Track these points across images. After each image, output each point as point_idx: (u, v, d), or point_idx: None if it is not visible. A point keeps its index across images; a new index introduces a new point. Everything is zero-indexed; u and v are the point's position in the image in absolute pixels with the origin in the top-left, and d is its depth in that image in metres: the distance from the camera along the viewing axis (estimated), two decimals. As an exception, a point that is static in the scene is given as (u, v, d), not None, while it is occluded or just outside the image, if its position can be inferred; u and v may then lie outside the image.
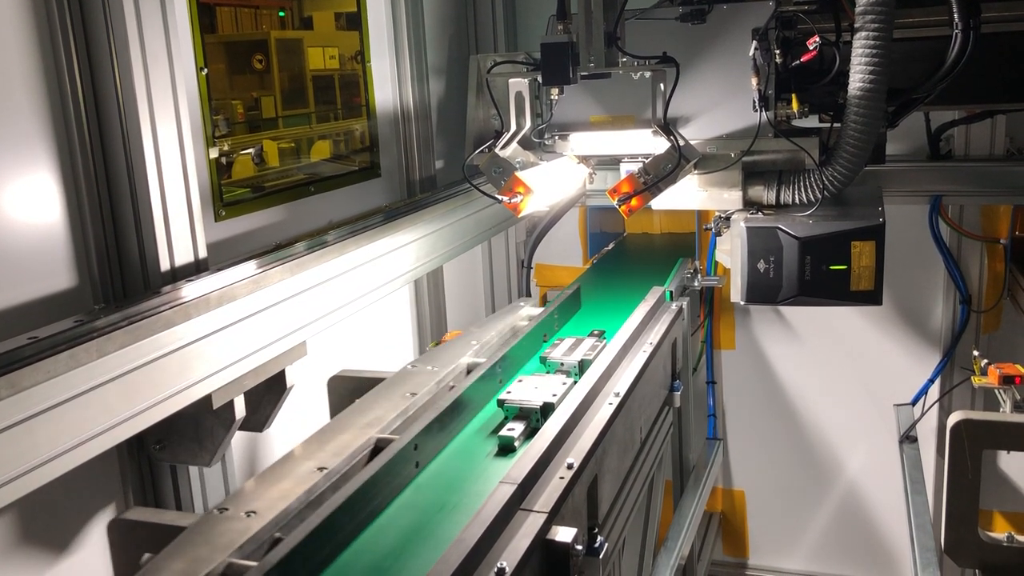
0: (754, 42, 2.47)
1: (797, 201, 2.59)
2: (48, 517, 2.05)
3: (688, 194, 2.65)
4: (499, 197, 2.47)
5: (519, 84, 2.55)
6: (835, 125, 2.59)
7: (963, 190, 3.61)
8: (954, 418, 2.22)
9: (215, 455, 2.18)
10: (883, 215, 2.54)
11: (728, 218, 2.73)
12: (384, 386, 2.49)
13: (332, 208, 3.10)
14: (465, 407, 2.47)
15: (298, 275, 2.36)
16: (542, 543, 1.77)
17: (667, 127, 2.44)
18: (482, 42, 4.03)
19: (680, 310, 3.13)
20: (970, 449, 2.19)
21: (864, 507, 4.44)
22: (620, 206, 2.38)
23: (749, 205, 2.66)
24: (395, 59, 3.50)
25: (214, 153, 2.59)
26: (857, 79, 2.40)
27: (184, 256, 2.27)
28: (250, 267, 2.24)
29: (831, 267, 2.51)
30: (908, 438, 3.63)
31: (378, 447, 2.16)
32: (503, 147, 2.58)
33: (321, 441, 2.16)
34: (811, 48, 2.47)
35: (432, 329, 3.67)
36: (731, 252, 2.67)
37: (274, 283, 2.26)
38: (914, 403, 3.96)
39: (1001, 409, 2.58)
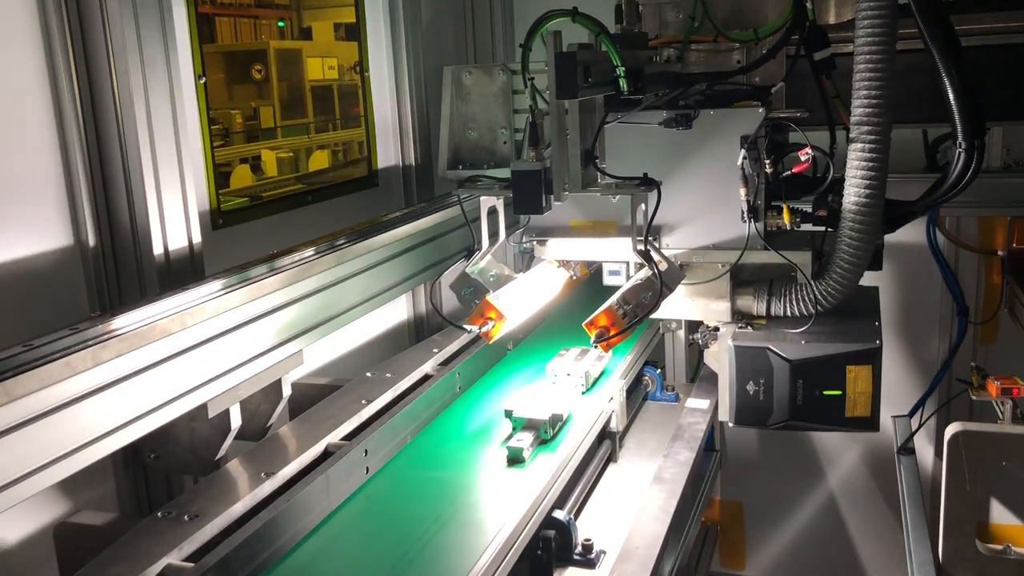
0: (742, 151, 2.37)
1: (789, 314, 2.47)
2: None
3: (674, 304, 2.52)
4: (467, 327, 2.33)
5: (491, 201, 2.44)
6: (829, 230, 2.46)
7: (960, 202, 3.60)
8: (952, 429, 2.22)
9: (210, 464, 2.17)
10: (879, 334, 2.41)
11: (716, 329, 2.61)
12: (340, 393, 2.53)
13: (330, 218, 3.10)
14: (420, 415, 2.49)
15: (295, 284, 2.35)
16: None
17: (647, 254, 2.29)
18: (480, 52, 4.03)
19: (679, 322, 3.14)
20: (968, 460, 2.18)
21: (862, 519, 4.43)
22: (597, 343, 2.18)
23: (738, 316, 2.54)
24: (394, 69, 3.51)
25: (212, 162, 2.59)
26: (853, 192, 2.30)
27: (181, 264, 2.27)
28: (247, 275, 2.23)
29: (824, 392, 2.37)
30: (905, 449, 3.61)
31: (327, 452, 2.19)
32: (475, 264, 2.47)
33: (272, 447, 2.21)
34: (803, 159, 2.37)
35: (428, 333, 3.66)
36: (719, 368, 2.54)
37: (271, 292, 2.25)
38: (911, 415, 3.94)
39: (999, 421, 2.57)
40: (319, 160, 3.20)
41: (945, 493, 2.22)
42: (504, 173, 2.34)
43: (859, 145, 2.29)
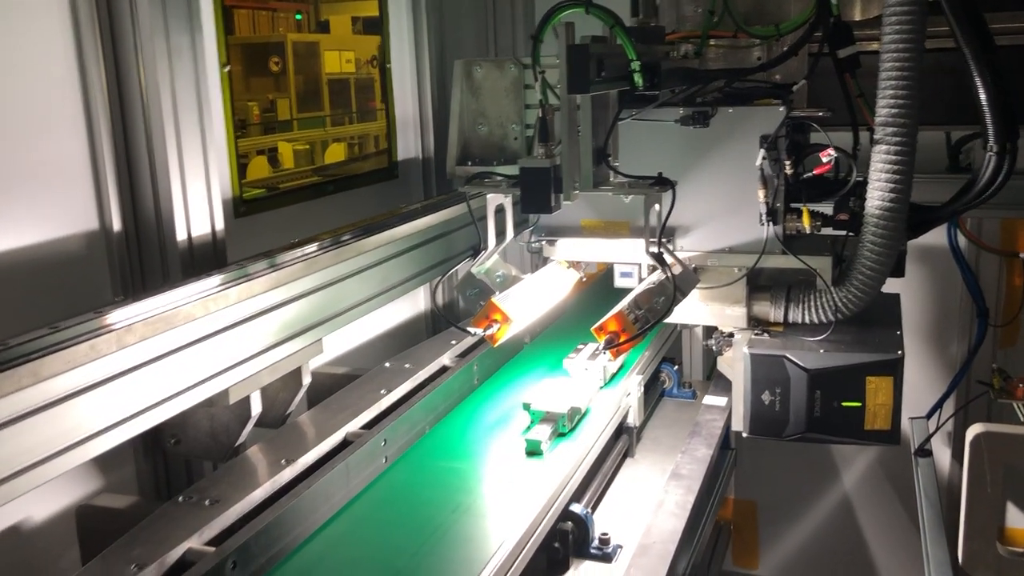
0: (762, 151, 2.30)
1: (807, 321, 2.41)
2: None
3: (688, 309, 2.44)
4: (471, 330, 2.29)
5: (499, 199, 2.39)
6: (850, 235, 2.40)
7: (982, 203, 3.58)
8: (974, 431, 2.21)
9: (230, 451, 2.18)
10: (901, 344, 2.34)
11: (730, 335, 2.55)
12: (359, 383, 2.54)
13: (350, 208, 3.11)
14: (438, 406, 2.54)
15: (316, 272, 2.35)
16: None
17: (661, 257, 2.23)
18: (501, 45, 4.03)
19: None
20: (990, 462, 2.17)
21: (876, 520, 4.41)
22: (607, 349, 2.13)
23: (754, 323, 2.48)
24: (415, 61, 3.51)
25: (236, 150, 2.60)
26: (876, 196, 2.23)
27: (204, 250, 2.28)
28: (269, 263, 2.24)
29: (843, 403, 2.31)
30: (922, 451, 3.60)
31: (346, 441, 2.21)
32: (480, 264, 2.42)
33: (292, 434, 2.22)
34: (825, 161, 2.31)
35: (446, 326, 3.66)
36: (733, 376, 2.49)
37: (293, 279, 2.25)
38: (929, 416, 3.92)
39: (1021, 422, 2.55)
40: (335, 153, 3.20)
41: (966, 495, 2.20)
42: (514, 170, 2.29)
43: (884, 147, 2.22)
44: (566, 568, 2.20)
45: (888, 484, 4.33)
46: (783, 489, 4.51)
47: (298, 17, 3.01)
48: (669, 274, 2.22)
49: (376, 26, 3.31)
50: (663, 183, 2.22)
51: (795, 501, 4.52)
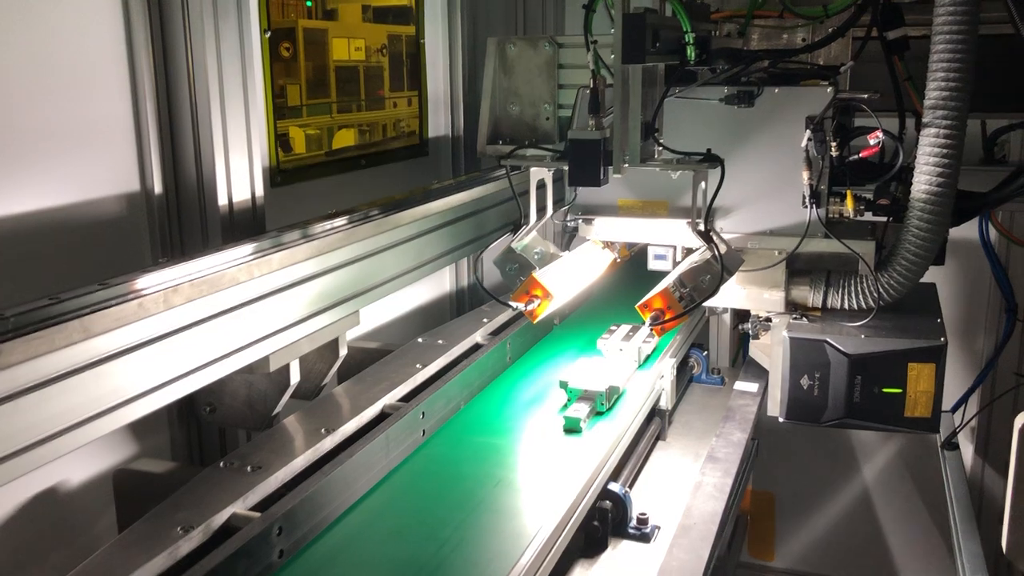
0: (807, 132, 2.27)
1: (847, 307, 2.37)
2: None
3: (725, 291, 2.37)
4: (512, 304, 2.28)
5: (541, 173, 2.37)
6: (891, 220, 2.35)
7: (1016, 196, 3.54)
8: (1022, 418, 2.17)
9: (266, 420, 2.15)
10: (944, 331, 2.31)
11: (768, 319, 2.51)
12: (393, 357, 2.52)
13: (382, 183, 3.08)
14: (473, 382, 2.53)
15: (354, 244, 2.32)
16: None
17: (707, 233, 2.21)
18: (530, 22, 3.98)
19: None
20: (1039, 450, 2.13)
21: (895, 512, 4.38)
22: (652, 326, 2.15)
23: (792, 307, 2.44)
24: (447, 38, 3.47)
25: (274, 117, 2.56)
26: (923, 180, 2.19)
27: (244, 216, 2.25)
28: (308, 232, 2.20)
29: (884, 390, 2.27)
30: (950, 444, 3.57)
31: (384, 414, 2.19)
32: (520, 239, 2.40)
33: (329, 405, 2.20)
34: (873, 144, 2.28)
35: (472, 306, 3.64)
36: (771, 360, 2.46)
37: (331, 250, 2.21)
38: (954, 410, 3.90)
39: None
40: (371, 131, 3.16)
41: (1012, 482, 2.16)
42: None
43: (933, 131, 2.18)
44: (604, 547, 2.18)
45: (909, 478, 4.30)
46: (801, 481, 4.48)
47: (309, 4, 2.98)
48: (716, 252, 2.18)
49: (387, 15, 3.26)
50: (712, 159, 2.19)
51: (813, 493, 4.49)
